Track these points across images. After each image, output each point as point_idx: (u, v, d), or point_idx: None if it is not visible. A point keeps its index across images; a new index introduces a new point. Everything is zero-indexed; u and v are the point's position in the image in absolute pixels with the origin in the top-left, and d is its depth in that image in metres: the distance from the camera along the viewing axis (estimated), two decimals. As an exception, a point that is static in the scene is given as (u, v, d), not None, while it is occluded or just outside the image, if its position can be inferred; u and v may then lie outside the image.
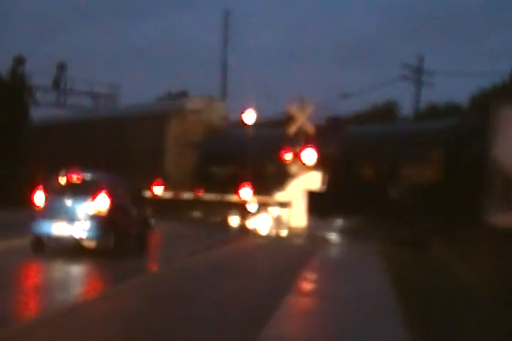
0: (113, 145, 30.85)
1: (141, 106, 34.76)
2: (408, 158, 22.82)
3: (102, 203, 13.25)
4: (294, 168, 22.18)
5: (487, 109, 19.45)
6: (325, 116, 26.36)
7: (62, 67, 40.27)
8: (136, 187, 16.50)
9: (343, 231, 21.80)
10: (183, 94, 44.78)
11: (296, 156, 21.96)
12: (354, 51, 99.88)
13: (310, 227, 21.70)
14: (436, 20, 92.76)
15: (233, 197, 23.52)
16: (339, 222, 22.85)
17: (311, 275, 12.51)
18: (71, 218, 13.10)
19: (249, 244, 19.68)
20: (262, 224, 22.80)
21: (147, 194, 24.08)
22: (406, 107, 43.80)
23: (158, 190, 25.60)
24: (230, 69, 44.34)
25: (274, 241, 20.55)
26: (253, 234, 21.97)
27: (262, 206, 22.93)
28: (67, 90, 40.50)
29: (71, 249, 13.88)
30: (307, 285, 11.33)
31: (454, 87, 56.40)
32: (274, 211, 22.66)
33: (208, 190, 25.39)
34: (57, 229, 13.10)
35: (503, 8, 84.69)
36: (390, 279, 11.69)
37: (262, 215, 22.98)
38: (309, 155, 21.70)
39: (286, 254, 16.84)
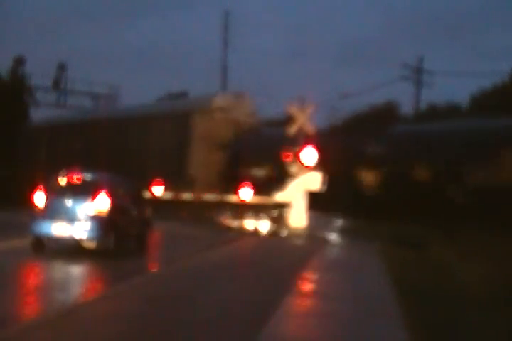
0: (130, 146, 29.47)
1: (162, 104, 33.67)
2: (475, 158, 20.60)
3: (102, 203, 13.25)
4: (293, 168, 22.13)
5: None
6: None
7: (62, 68, 40.32)
8: (136, 187, 16.48)
9: (342, 231, 21.77)
10: (184, 95, 44.80)
11: (296, 157, 21.87)
12: (354, 51, 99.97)
13: (310, 227, 21.68)
14: (437, 20, 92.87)
15: (233, 198, 23.51)
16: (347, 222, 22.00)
17: (311, 276, 12.51)
18: (71, 218, 13.09)
19: (249, 244, 19.67)
20: (262, 224, 22.79)
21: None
22: (406, 107, 43.77)
23: (158, 191, 25.45)
24: (230, 69, 44.41)
25: (274, 241, 20.54)
26: (253, 234, 21.96)
27: (263, 206, 22.92)
28: (67, 90, 40.54)
29: (71, 250, 13.88)
30: (307, 286, 11.32)
31: (454, 87, 56.36)
32: (274, 211, 22.64)
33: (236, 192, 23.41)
34: (57, 229, 13.09)
35: (503, 8, 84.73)
36: (390, 280, 11.70)
37: (262, 215, 22.97)
38: (309, 155, 21.64)
39: (286, 254, 16.82)
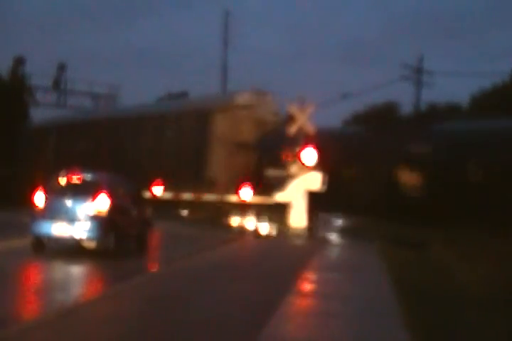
0: (144, 146, 28.54)
1: (182, 102, 32.17)
2: None
3: (102, 204, 13.25)
4: (294, 168, 22.11)
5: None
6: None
7: (62, 68, 40.33)
8: (136, 187, 16.48)
9: (343, 231, 21.77)
10: (184, 94, 44.82)
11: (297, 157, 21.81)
12: (354, 51, 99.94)
13: (309, 227, 21.67)
14: (437, 20, 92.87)
15: (233, 198, 23.50)
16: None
17: (311, 275, 12.50)
18: (71, 218, 13.10)
19: (249, 244, 19.66)
20: (262, 224, 22.79)
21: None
22: (406, 107, 43.79)
23: (158, 191, 25.42)
24: (230, 69, 44.39)
25: (274, 241, 20.53)
26: (253, 234, 21.96)
27: (263, 206, 22.90)
28: (67, 91, 40.54)
29: (71, 250, 13.88)
30: (307, 285, 11.32)
31: (454, 87, 56.48)
32: (274, 211, 22.63)
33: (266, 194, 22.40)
34: (58, 229, 13.10)
35: (503, 8, 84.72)
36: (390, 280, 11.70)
37: (262, 215, 22.96)
38: (310, 155, 21.61)
39: (286, 254, 16.82)
